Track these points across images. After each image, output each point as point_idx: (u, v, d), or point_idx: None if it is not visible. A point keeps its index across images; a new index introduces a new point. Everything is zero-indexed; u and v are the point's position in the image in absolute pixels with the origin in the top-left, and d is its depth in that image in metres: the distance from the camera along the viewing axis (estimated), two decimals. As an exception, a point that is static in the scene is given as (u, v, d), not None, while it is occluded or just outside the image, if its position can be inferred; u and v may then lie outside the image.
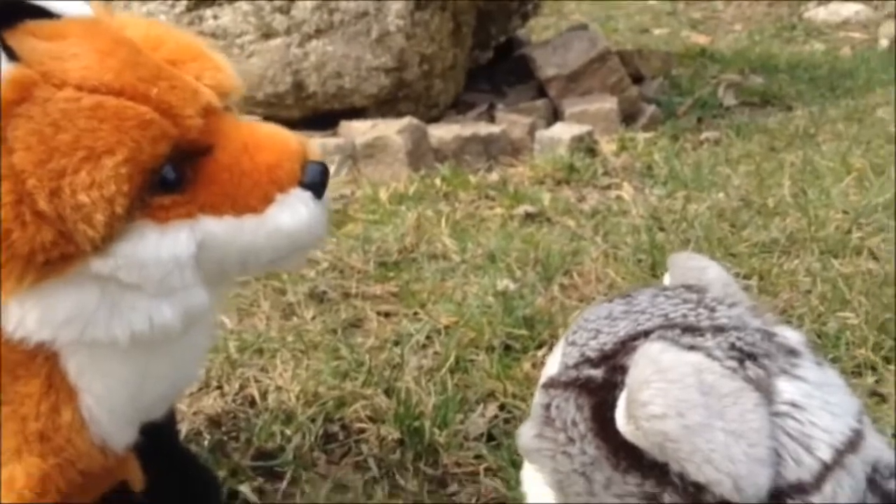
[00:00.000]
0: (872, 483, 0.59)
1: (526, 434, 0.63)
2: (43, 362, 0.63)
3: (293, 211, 0.65)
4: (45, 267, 0.58)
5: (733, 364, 0.57)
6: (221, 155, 0.64)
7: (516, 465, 1.02)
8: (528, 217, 1.84)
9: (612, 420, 0.57)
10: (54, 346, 0.63)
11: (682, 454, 0.52)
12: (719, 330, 0.61)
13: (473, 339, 1.30)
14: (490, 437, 1.09)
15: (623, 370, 0.58)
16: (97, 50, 0.61)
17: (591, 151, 2.25)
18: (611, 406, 0.58)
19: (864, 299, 1.40)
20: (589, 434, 0.59)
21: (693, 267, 0.70)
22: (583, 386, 0.60)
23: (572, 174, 2.11)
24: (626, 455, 0.56)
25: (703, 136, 2.46)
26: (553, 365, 0.67)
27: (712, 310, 0.63)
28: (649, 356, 0.56)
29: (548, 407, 0.62)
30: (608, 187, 2.07)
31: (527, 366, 1.25)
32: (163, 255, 0.61)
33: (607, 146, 2.32)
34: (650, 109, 2.61)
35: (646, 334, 0.61)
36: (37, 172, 0.56)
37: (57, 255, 0.58)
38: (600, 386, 0.60)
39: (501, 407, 1.15)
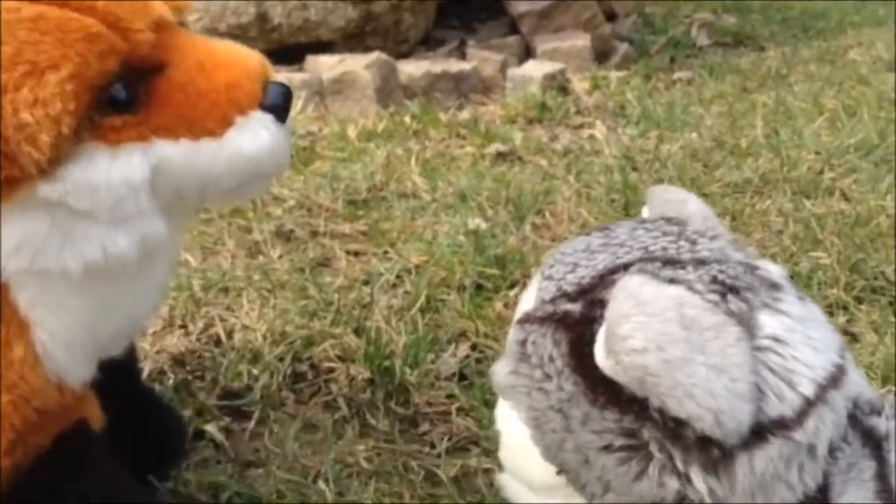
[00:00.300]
0: (853, 419, 0.59)
1: (501, 371, 0.62)
2: (-8, 295, 0.60)
3: (254, 135, 0.61)
4: (-10, 191, 0.54)
5: (715, 297, 0.56)
6: (175, 73, 0.60)
7: (488, 404, 1.01)
8: (500, 156, 1.81)
9: (589, 355, 0.56)
10: (3, 278, 0.59)
11: (662, 389, 0.51)
12: (701, 263, 0.59)
13: (444, 278, 1.28)
14: (462, 377, 1.08)
15: (601, 304, 0.57)
16: None
17: (564, 90, 2.22)
18: (589, 341, 0.56)
19: (836, 239, 1.40)
20: (566, 370, 0.57)
21: (672, 199, 0.68)
22: (560, 321, 0.59)
23: (544, 113, 2.08)
24: (604, 391, 0.55)
25: (676, 75, 2.44)
26: (529, 300, 0.65)
27: (693, 242, 0.61)
28: (629, 290, 0.54)
29: (523, 343, 0.60)
30: (580, 126, 2.04)
31: (498, 305, 1.23)
32: (114, 179, 0.57)
33: (580, 84, 2.28)
34: (623, 48, 2.57)
35: (625, 267, 0.59)
36: (-25, 89, 0.52)
37: (1, 178, 0.54)
38: (578, 321, 0.58)
39: (473, 347, 1.14)
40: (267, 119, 0.62)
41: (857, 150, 1.80)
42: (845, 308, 1.24)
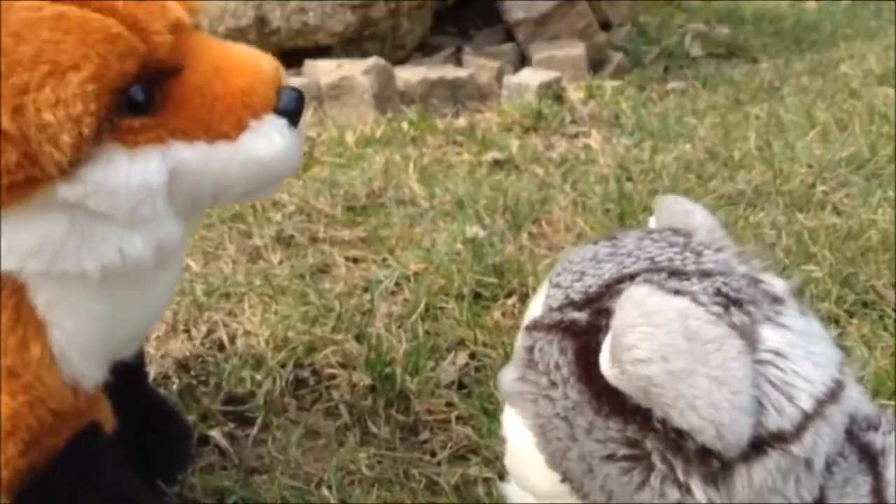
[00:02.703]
0: (850, 434, 0.59)
1: (507, 377, 0.62)
2: (10, 295, 0.60)
3: (268, 139, 0.62)
4: (10, 191, 0.55)
5: (718, 310, 0.56)
6: (192, 76, 0.61)
7: (487, 412, 1.01)
8: (496, 164, 1.82)
9: (595, 364, 0.56)
10: (22, 278, 0.60)
11: (665, 400, 0.51)
12: (705, 275, 0.59)
13: (443, 286, 1.28)
14: (461, 385, 1.08)
15: (608, 313, 0.57)
16: None
17: (559, 98, 2.22)
18: (595, 350, 0.56)
19: (827, 253, 1.41)
20: (572, 378, 0.57)
21: (679, 210, 0.68)
22: (566, 329, 0.59)
23: (540, 121, 2.08)
24: (608, 400, 0.55)
25: (670, 86, 2.45)
26: (537, 307, 0.65)
27: (699, 254, 0.62)
28: (635, 300, 0.55)
29: (531, 349, 0.60)
30: (576, 135, 2.05)
31: (496, 314, 1.24)
32: (133, 181, 0.57)
33: (575, 93, 2.29)
34: (617, 57, 2.59)
35: (631, 277, 0.60)
36: (-2, 88, 0.53)
37: (22, 178, 0.55)
38: (584, 329, 0.58)
39: (472, 355, 1.14)
40: (280, 123, 0.63)
41: (849, 164, 1.81)
42: (836, 322, 1.25)
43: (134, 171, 0.58)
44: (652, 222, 0.71)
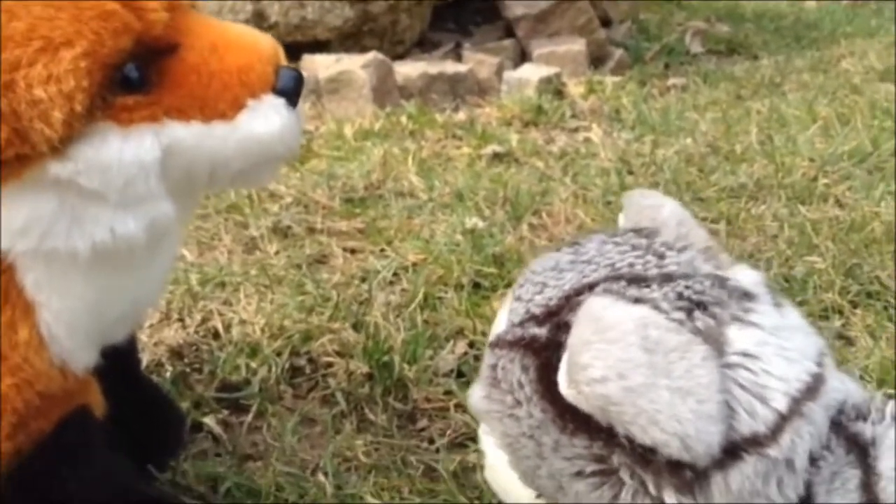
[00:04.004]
0: (838, 426, 0.57)
1: (476, 395, 0.61)
2: (-2, 276, 0.59)
3: (266, 118, 0.61)
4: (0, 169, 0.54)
5: (681, 315, 0.54)
6: (188, 55, 0.60)
7: (487, 401, 1.00)
8: (496, 157, 1.81)
9: (557, 382, 0.55)
10: (10, 258, 0.59)
11: (625, 417, 0.50)
12: (667, 279, 0.57)
13: (442, 276, 1.27)
14: (460, 374, 1.07)
15: (567, 328, 0.55)
16: None
17: (559, 93, 2.22)
18: (556, 367, 0.55)
19: (830, 244, 1.41)
20: (535, 396, 0.56)
21: (648, 205, 0.66)
22: (527, 345, 0.58)
23: (540, 116, 2.08)
24: (572, 417, 0.54)
25: (671, 82, 2.45)
26: (501, 321, 0.63)
27: (661, 256, 0.60)
28: (591, 314, 0.53)
29: (494, 367, 0.59)
30: (576, 130, 2.05)
31: (496, 304, 1.23)
32: (126, 159, 0.56)
33: (575, 89, 2.29)
34: (618, 53, 2.58)
35: (591, 287, 0.58)
36: (-12, 64, 0.52)
37: (12, 155, 0.54)
38: (545, 345, 0.57)
39: (471, 344, 1.13)
40: (279, 103, 0.62)
41: (851, 158, 1.80)
42: (840, 312, 1.24)
43: (127, 148, 0.57)
44: (622, 219, 0.68)
